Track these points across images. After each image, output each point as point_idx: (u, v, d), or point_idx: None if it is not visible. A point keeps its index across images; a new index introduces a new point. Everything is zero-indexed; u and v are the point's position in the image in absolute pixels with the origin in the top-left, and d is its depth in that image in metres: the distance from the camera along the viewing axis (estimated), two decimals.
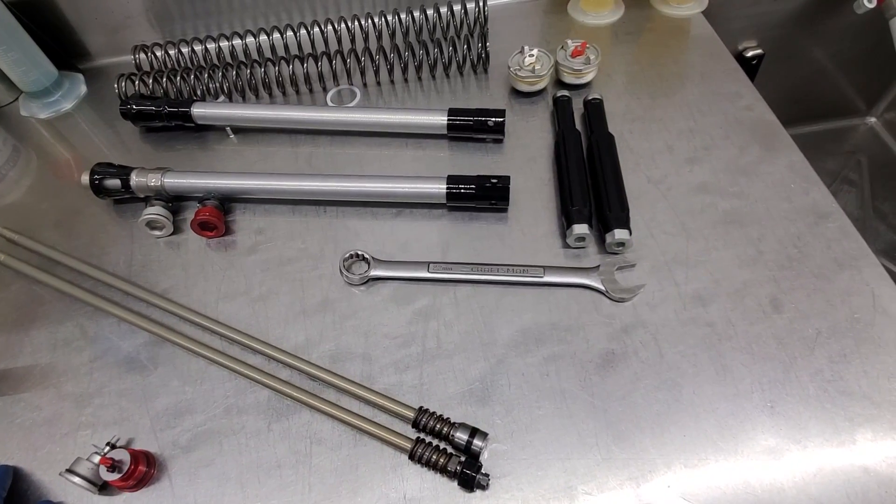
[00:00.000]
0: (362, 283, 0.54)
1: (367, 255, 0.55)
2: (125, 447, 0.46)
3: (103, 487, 0.45)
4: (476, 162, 0.63)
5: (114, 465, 0.43)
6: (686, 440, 0.44)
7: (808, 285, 0.50)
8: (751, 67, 0.86)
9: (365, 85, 0.71)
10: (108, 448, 0.45)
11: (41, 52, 0.72)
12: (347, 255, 0.55)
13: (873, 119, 1.04)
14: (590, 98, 0.63)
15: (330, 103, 0.70)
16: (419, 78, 0.71)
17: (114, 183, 0.60)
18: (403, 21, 0.71)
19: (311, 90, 0.71)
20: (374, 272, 0.54)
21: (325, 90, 0.71)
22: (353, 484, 0.44)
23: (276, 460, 0.46)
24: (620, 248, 0.53)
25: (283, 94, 0.71)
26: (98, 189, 0.60)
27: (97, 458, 0.45)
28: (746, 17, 0.81)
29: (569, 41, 0.64)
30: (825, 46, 0.90)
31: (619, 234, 0.51)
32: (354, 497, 0.44)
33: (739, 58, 0.86)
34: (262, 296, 0.55)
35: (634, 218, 0.54)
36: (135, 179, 0.59)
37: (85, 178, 0.60)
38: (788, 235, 0.53)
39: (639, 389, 0.46)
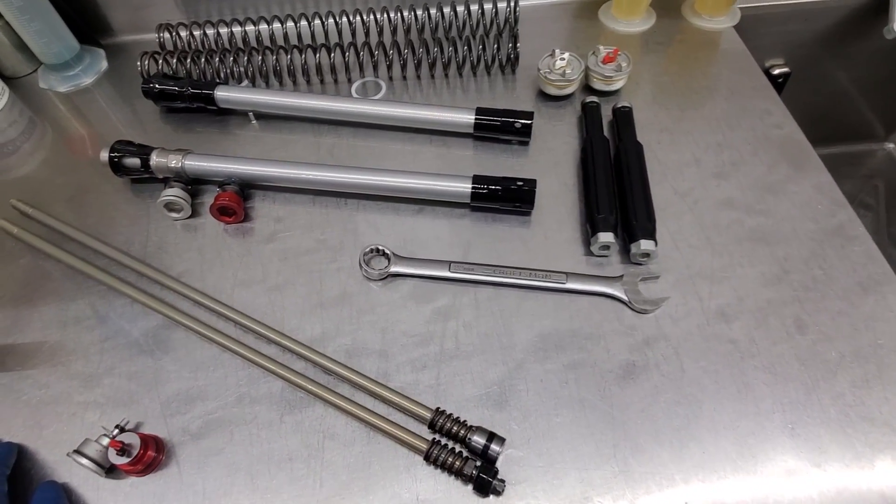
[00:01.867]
0: (381, 279, 0.54)
1: (387, 251, 0.54)
2: (134, 430, 0.45)
3: (110, 470, 0.44)
4: (500, 163, 0.62)
5: (123, 449, 0.43)
6: (705, 457, 0.43)
7: (832, 308, 0.50)
8: (776, 85, 0.86)
9: (391, 78, 0.70)
10: (116, 431, 0.45)
11: (64, 24, 0.71)
12: (368, 249, 0.54)
13: (891, 145, 1.04)
14: (619, 106, 0.62)
15: (355, 95, 0.69)
16: (445, 75, 0.70)
17: (133, 162, 0.59)
18: (433, 16, 0.70)
19: (335, 80, 0.70)
20: (395, 268, 0.53)
21: (349, 81, 0.70)
22: (365, 481, 0.44)
23: (287, 453, 0.45)
24: (645, 259, 0.52)
25: (308, 82, 0.70)
26: (117, 167, 0.59)
27: (106, 441, 0.44)
28: (776, 34, 0.81)
29: (600, 47, 0.64)
30: (849, 70, 0.90)
31: (645, 244, 0.51)
32: (366, 495, 0.43)
33: (765, 75, 0.86)
34: (278, 285, 0.54)
35: (659, 229, 0.53)
36: (155, 159, 0.58)
37: (104, 155, 0.59)
38: (814, 256, 0.53)
39: (659, 403, 0.46)
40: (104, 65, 0.75)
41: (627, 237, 0.53)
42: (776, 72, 0.85)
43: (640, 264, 0.53)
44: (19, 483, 0.44)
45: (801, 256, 0.53)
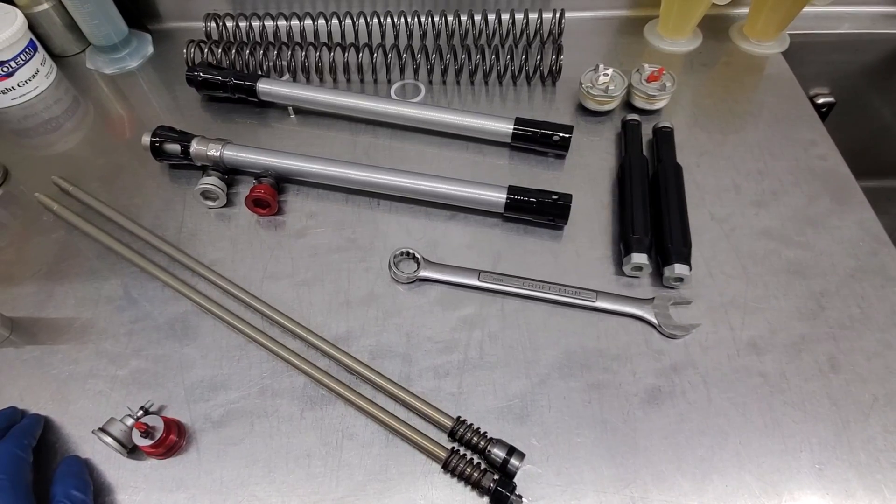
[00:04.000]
0: (410, 283, 0.54)
1: (417, 255, 0.54)
2: (158, 413, 0.45)
3: (132, 451, 0.45)
4: (535, 175, 0.62)
5: (147, 431, 0.43)
6: (727, 490, 0.43)
7: (868, 349, 0.49)
8: (819, 115, 0.84)
9: (430, 82, 0.70)
10: (141, 412, 0.45)
11: (115, 7, 0.72)
12: (398, 251, 0.54)
13: None
14: (660, 126, 0.61)
15: (394, 96, 0.69)
16: (485, 82, 0.70)
17: (173, 148, 0.60)
18: (477, 23, 0.70)
19: (375, 80, 0.71)
20: (424, 273, 0.53)
21: (389, 82, 0.71)
22: (381, 484, 0.44)
23: (305, 449, 0.45)
24: (678, 284, 0.52)
25: (348, 80, 0.71)
26: (157, 151, 0.60)
27: (130, 422, 0.44)
28: (823, 63, 0.79)
29: (645, 65, 0.63)
30: (894, 104, 0.88)
31: (680, 269, 0.50)
32: (381, 498, 0.43)
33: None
34: (306, 281, 0.54)
35: (694, 255, 0.53)
36: (195, 147, 0.59)
37: (146, 139, 0.60)
38: (852, 294, 0.52)
39: (683, 431, 0.45)
40: (150, 50, 0.76)
41: (661, 260, 0.52)
42: (820, 101, 0.83)
43: (673, 288, 0.52)
44: (44, 455, 0.45)
45: (840, 294, 0.52)
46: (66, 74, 0.74)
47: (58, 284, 0.55)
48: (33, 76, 0.70)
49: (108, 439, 0.43)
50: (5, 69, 0.67)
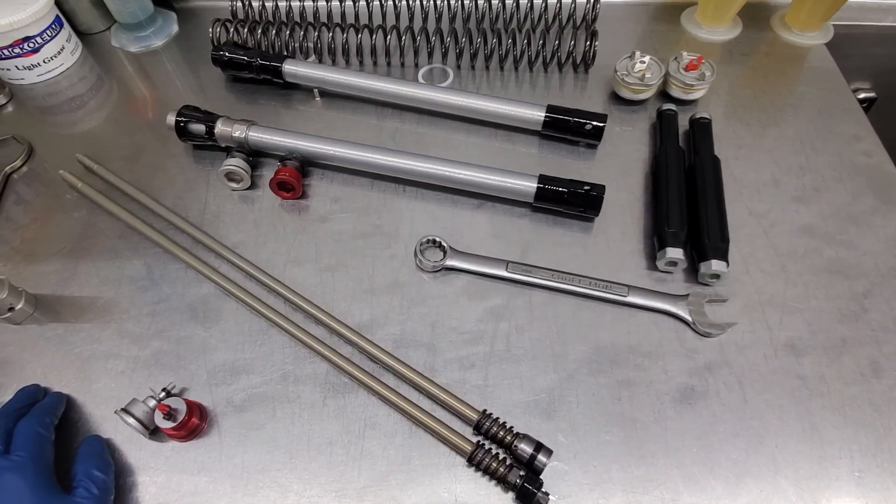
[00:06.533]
0: (435, 271, 0.52)
1: (444, 243, 0.53)
2: (180, 396, 0.45)
3: (153, 432, 0.45)
4: (566, 165, 0.60)
5: (170, 413, 0.43)
6: (762, 496, 0.41)
7: None
8: None
9: (458, 67, 0.69)
10: (163, 394, 0.45)
11: None
12: (425, 239, 0.53)
13: None
14: (698, 116, 0.59)
15: (421, 80, 0.67)
16: (515, 68, 0.68)
17: (198, 128, 0.59)
18: (508, 7, 0.68)
19: (402, 64, 0.69)
20: (450, 262, 0.52)
21: (416, 66, 0.69)
22: (404, 475, 0.43)
23: (328, 437, 0.45)
24: (714, 281, 0.50)
25: (375, 63, 0.69)
26: (182, 131, 0.59)
27: (153, 403, 0.44)
28: (865, 56, 0.76)
29: (684, 53, 0.61)
30: None
31: (717, 265, 0.48)
32: (403, 489, 0.42)
33: None
34: (330, 266, 0.53)
35: (731, 250, 0.51)
36: (219, 128, 0.58)
37: (171, 119, 0.59)
38: None
39: (717, 432, 0.44)
40: (175, 28, 0.75)
41: (697, 255, 0.50)
42: (861, 96, 0.80)
43: (708, 285, 0.50)
44: (66, 434, 0.45)
45: (883, 295, 0.50)
46: (90, 52, 0.74)
47: (81, 263, 0.54)
48: (59, 53, 0.69)
49: (131, 420, 0.43)
50: (31, 45, 0.66)
